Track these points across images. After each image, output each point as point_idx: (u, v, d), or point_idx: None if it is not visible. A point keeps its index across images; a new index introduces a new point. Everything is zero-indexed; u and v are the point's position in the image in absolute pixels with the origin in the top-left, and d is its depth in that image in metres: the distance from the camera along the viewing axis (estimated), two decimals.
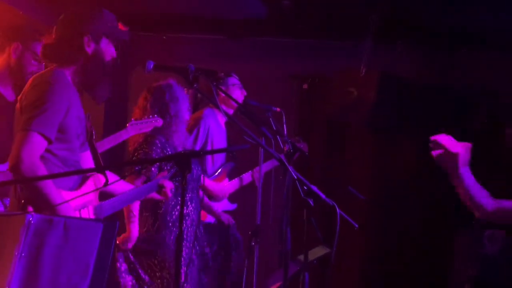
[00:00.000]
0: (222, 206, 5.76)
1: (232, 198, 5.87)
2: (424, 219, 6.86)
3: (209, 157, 5.66)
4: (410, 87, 6.74)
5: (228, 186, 5.74)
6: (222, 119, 5.79)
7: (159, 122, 4.89)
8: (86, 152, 3.70)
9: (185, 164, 2.92)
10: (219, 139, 5.70)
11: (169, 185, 4.25)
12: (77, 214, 3.46)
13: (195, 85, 3.55)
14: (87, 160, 3.70)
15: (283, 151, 5.40)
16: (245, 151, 5.40)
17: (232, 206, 5.86)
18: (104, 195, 3.78)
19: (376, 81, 6.47)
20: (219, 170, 5.71)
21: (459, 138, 6.72)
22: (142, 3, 6.59)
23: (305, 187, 3.37)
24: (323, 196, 3.36)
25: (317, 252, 5.50)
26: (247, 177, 5.85)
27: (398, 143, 6.98)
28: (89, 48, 3.54)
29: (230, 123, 5.78)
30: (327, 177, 7.09)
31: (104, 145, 4.88)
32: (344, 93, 6.65)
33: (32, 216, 2.92)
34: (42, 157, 3.38)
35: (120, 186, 3.95)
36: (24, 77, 4.35)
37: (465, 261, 6.58)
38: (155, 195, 4.26)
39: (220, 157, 5.75)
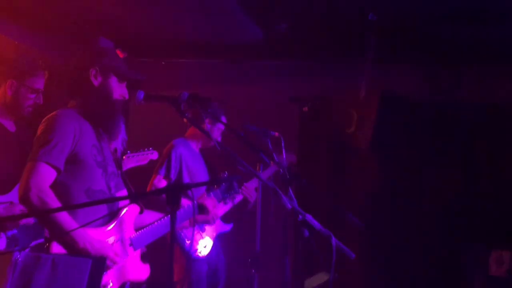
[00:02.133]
0: (217, 228, 5.70)
1: (229, 219, 5.82)
2: (429, 241, 6.75)
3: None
4: (412, 106, 6.67)
5: (219, 207, 5.70)
6: (195, 146, 5.79)
7: (154, 155, 4.88)
8: (122, 190, 3.65)
9: (174, 198, 2.85)
10: (195, 165, 5.69)
11: (210, 203, 4.22)
12: (116, 247, 3.42)
13: (186, 114, 3.49)
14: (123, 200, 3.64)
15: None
16: (236, 169, 5.41)
17: (227, 227, 5.80)
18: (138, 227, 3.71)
19: (376, 102, 6.40)
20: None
21: (464, 156, 6.72)
22: (140, 29, 6.57)
23: (300, 216, 3.29)
24: (318, 226, 3.28)
25: (319, 278, 5.43)
26: (237, 196, 5.81)
27: (401, 163, 6.89)
28: (96, 81, 3.53)
29: (209, 149, 5.79)
30: (331, 199, 7.01)
31: None
32: (345, 115, 6.58)
33: (20, 254, 2.87)
34: (67, 193, 3.36)
35: (152, 215, 3.88)
36: (21, 111, 4.43)
37: (473, 283, 6.48)
38: (199, 217, 4.12)
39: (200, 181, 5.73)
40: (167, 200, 2.88)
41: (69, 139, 3.38)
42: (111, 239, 3.44)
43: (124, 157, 4.91)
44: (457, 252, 6.67)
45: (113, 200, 3.44)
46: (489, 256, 6.39)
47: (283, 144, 5.65)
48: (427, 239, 6.75)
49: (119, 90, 3.61)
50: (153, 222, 3.69)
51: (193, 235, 5.52)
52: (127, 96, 3.66)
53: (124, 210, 3.54)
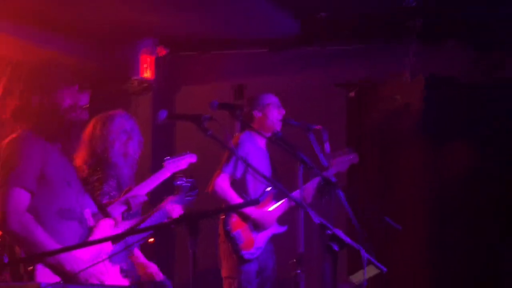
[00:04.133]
0: (271, 229, 5.59)
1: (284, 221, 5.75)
2: (484, 230, 6.53)
3: (250, 183, 5.56)
4: (460, 88, 6.45)
5: (274, 210, 5.60)
6: (261, 141, 5.67)
7: (193, 158, 4.86)
8: (89, 205, 3.59)
9: (193, 226, 2.83)
10: (259, 161, 5.55)
11: (177, 210, 4.14)
12: (98, 265, 3.39)
13: (209, 132, 3.46)
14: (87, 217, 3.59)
15: (326, 169, 5.32)
16: (287, 170, 5.34)
17: (281, 229, 5.65)
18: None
19: (422, 86, 6.23)
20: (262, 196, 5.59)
21: None
22: (182, 27, 6.58)
23: (329, 231, 3.24)
24: (348, 240, 3.22)
25: (368, 272, 5.35)
26: (295, 196, 5.68)
27: (452, 148, 6.68)
28: (41, 101, 3.45)
29: (273, 142, 5.69)
30: (382, 190, 6.88)
31: (148, 186, 4.83)
32: (391, 101, 6.43)
33: (47, 286, 2.91)
34: (37, 215, 3.32)
35: (127, 226, 3.87)
36: None
37: None
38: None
39: (262, 181, 5.62)
40: (189, 229, 2.86)
41: (38, 160, 3.33)
42: (91, 257, 3.41)
43: (164, 163, 4.90)
44: None
45: (109, 239, 3.40)
46: None
47: (325, 138, 5.54)
48: (480, 232, 6.51)
49: (69, 100, 3.49)
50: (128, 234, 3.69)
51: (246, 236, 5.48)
52: (81, 102, 3.53)
53: (98, 226, 3.51)
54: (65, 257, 3.25)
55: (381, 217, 4.19)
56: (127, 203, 4.36)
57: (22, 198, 3.27)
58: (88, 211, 3.54)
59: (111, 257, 3.52)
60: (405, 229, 5.71)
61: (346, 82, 7.08)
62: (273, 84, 6.91)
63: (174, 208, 4.10)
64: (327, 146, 5.58)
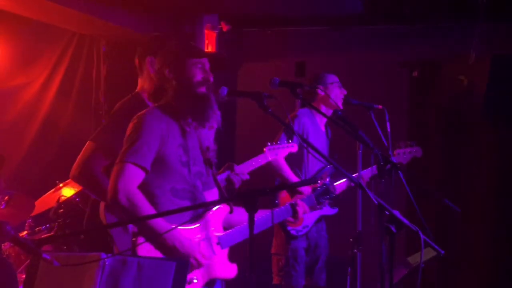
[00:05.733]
0: (322, 210, 5.55)
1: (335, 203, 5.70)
2: None
3: (307, 158, 5.54)
4: None
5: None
6: (321, 120, 5.64)
7: (294, 148, 4.86)
8: (212, 190, 3.67)
9: (251, 203, 2.84)
10: (315, 139, 5.53)
11: (302, 206, 3.96)
12: (202, 247, 3.47)
13: (269, 110, 3.46)
14: (212, 199, 3.66)
15: (387, 149, 5.24)
16: (347, 150, 5.30)
17: (332, 211, 5.59)
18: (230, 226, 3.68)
19: (487, 67, 6.07)
20: (319, 174, 5.56)
21: None
22: (245, 3, 6.63)
23: (387, 212, 3.21)
24: (406, 222, 3.19)
25: (425, 254, 5.29)
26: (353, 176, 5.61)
27: None
28: (171, 76, 3.53)
29: (333, 121, 5.62)
30: (446, 172, 6.75)
31: (246, 167, 4.84)
32: (455, 81, 6.30)
33: (107, 257, 2.97)
34: (150, 193, 3.43)
35: (243, 214, 3.81)
36: None
37: None
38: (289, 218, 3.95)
39: (319, 158, 5.57)
40: (245, 206, 2.87)
41: (156, 140, 3.40)
42: (196, 238, 3.48)
43: (264, 148, 4.93)
44: None
45: (199, 206, 3.44)
46: None
47: (387, 117, 5.47)
48: None
49: (199, 75, 3.55)
50: (243, 222, 3.61)
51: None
52: (211, 78, 3.58)
53: (214, 209, 3.56)
54: (169, 234, 3.31)
55: (441, 200, 4.11)
56: (228, 179, 4.41)
57: (134, 175, 3.37)
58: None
59: (220, 241, 3.56)
60: (469, 213, 5.60)
61: (409, 61, 6.96)
62: (335, 62, 6.86)
63: (299, 203, 4.01)
64: (388, 126, 5.52)
